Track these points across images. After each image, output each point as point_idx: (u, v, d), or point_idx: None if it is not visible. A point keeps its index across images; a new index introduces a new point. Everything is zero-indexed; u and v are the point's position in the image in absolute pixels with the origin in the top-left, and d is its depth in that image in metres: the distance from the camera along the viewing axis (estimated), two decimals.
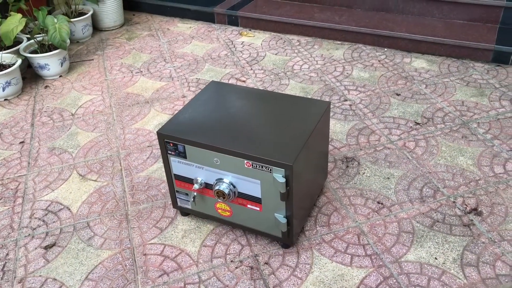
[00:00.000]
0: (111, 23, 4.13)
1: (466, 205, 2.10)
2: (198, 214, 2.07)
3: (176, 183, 2.01)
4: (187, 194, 2.02)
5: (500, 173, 2.26)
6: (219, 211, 1.98)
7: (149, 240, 2.04)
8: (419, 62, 3.29)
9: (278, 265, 1.88)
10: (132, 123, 2.84)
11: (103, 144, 2.67)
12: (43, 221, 2.18)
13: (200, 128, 1.88)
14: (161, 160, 2.51)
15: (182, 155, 1.88)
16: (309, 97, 2.97)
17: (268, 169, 1.71)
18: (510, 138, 2.48)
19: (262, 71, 3.32)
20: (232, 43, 3.76)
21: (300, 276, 1.83)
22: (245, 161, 1.74)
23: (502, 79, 3.02)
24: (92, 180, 2.41)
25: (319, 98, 2.95)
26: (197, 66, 3.44)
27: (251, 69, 3.35)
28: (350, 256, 1.90)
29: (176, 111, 2.92)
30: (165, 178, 2.38)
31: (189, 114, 1.97)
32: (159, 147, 2.59)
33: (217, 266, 1.90)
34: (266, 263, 1.89)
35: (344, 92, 3.00)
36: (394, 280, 1.78)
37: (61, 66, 3.38)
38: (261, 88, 3.10)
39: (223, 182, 1.85)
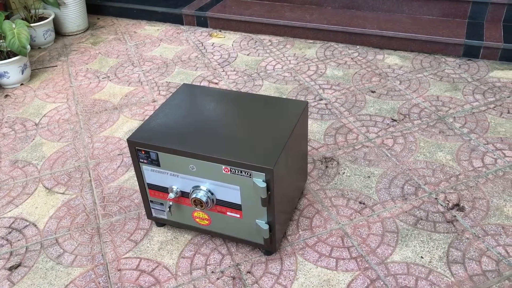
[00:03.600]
0: (75, 28, 3.96)
1: (448, 201, 2.07)
2: (174, 224, 1.97)
3: (150, 192, 1.90)
4: (162, 204, 1.91)
5: (479, 167, 2.25)
6: (197, 220, 1.89)
7: (124, 254, 1.92)
8: (392, 59, 3.27)
9: (261, 273, 1.80)
10: (100, 131, 2.71)
11: (70, 154, 2.53)
12: (7, 240, 2.03)
13: (173, 133, 1.78)
14: (132, 168, 2.39)
15: (155, 163, 1.78)
16: (285, 97, 2.90)
17: (247, 174, 1.63)
18: (486, 132, 2.48)
19: (235, 72, 3.24)
20: (202, 44, 3.66)
21: (284, 283, 1.75)
22: (223, 167, 1.66)
23: (473, 73, 3.03)
24: (60, 193, 2.27)
25: (294, 98, 2.89)
26: (166, 69, 3.32)
27: (223, 71, 3.26)
28: (335, 260, 1.84)
29: (147, 117, 2.80)
30: (137, 188, 2.26)
31: (161, 120, 1.87)
32: (129, 156, 2.47)
33: (197, 278, 1.80)
34: (248, 272, 1.81)
35: (319, 91, 2.95)
36: (382, 283, 1.73)
37: (22, 73, 3.20)
38: (235, 90, 3.01)
39: (200, 189, 1.75)
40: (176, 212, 1.90)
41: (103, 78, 3.27)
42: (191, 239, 1.97)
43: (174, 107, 1.95)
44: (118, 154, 2.50)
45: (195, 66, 3.34)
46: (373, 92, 2.90)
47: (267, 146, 1.68)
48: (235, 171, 1.64)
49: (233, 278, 1.79)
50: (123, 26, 4.10)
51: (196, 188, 1.76)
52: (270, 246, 1.80)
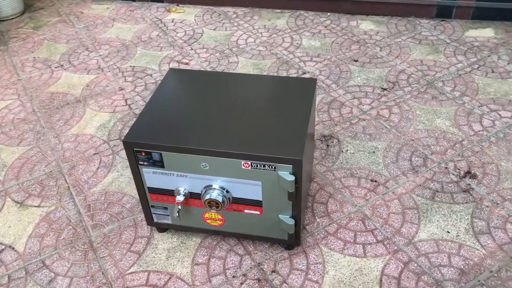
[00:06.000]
0: (9, 11, 3.47)
1: (458, 169, 2.02)
2: (180, 228, 1.76)
3: (151, 197, 1.67)
4: (166, 208, 1.69)
5: (479, 131, 2.21)
6: (208, 221, 1.69)
7: (128, 269, 1.69)
8: (366, 24, 3.16)
9: (287, 271, 1.65)
10: (67, 128, 2.39)
11: (37, 160, 2.20)
12: None
13: (178, 128, 1.55)
14: (115, 168, 2.12)
15: (159, 164, 1.55)
16: (265, 73, 2.72)
17: (271, 167, 1.45)
18: (476, 94, 2.45)
19: (205, 50, 2.98)
20: (161, 21, 3.35)
21: (315, 279, 1.62)
22: (242, 162, 1.46)
23: (450, 33, 2.99)
24: (34, 206, 1.97)
25: (275, 74, 2.71)
26: (127, 52, 3.00)
27: (192, 49, 2.99)
28: (361, 245, 1.73)
29: (118, 108, 2.51)
30: (126, 190, 2.01)
31: (157, 113, 1.62)
32: (107, 154, 2.19)
33: (218, 286, 1.62)
34: (273, 272, 1.66)
35: (300, 64, 2.78)
36: (415, 265, 1.65)
37: None
38: (209, 70, 2.78)
39: (214, 189, 1.55)
40: (183, 215, 1.69)
41: (56, 67, 2.89)
42: (201, 242, 1.78)
43: (167, 96, 1.70)
44: (94, 154, 2.22)
45: (158, 46, 3.05)
46: (355, 61, 2.78)
47: (288, 133, 1.50)
48: (257, 166, 1.46)
49: (258, 280, 1.63)
50: (66, 6, 3.66)
51: (209, 188, 1.56)
52: (295, 241, 1.66)
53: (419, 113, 2.34)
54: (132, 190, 2.01)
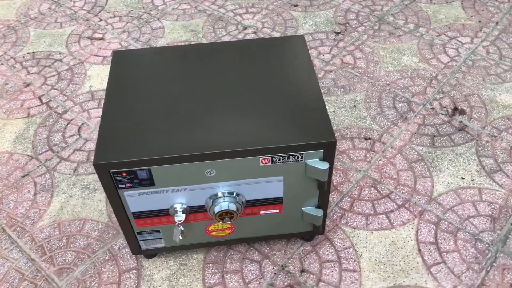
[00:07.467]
0: None
1: (445, 107, 1.90)
2: (176, 249, 1.41)
3: (137, 223, 1.29)
4: (158, 231, 1.33)
5: (448, 62, 2.11)
6: (214, 233, 1.37)
7: None
8: None
9: (317, 266, 1.42)
10: None
11: None
12: None
13: (165, 132, 1.16)
14: (59, 189, 1.66)
15: (146, 182, 1.17)
16: (200, 35, 2.32)
17: (298, 157, 1.16)
18: (430, 23, 2.34)
19: (117, 18, 2.46)
20: None
21: (351, 267, 1.41)
22: (261, 158, 1.15)
23: None
24: None
25: (212, 34, 2.33)
26: (18, 36, 2.37)
27: (100, 20, 2.45)
28: (384, 215, 1.54)
29: (32, 109, 1.96)
30: (84, 214, 1.58)
31: (125, 116, 1.21)
32: (41, 173, 1.71)
33: None
34: (302, 271, 1.41)
35: (237, 18, 2.42)
36: (446, 223, 1.51)
37: None
38: (131, 41, 2.30)
39: (224, 197, 1.22)
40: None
41: None
42: (205, 257, 1.45)
43: (128, 90, 1.28)
44: (23, 176, 1.71)
45: (57, 22, 2.45)
46: (296, 6, 2.49)
47: (306, 110, 1.20)
48: (279, 159, 1.16)
49: (290, 286, 1.38)
50: None
51: (216, 197, 1.23)
52: (321, 231, 1.41)
53: (383, 54, 2.17)
54: (92, 212, 1.58)
